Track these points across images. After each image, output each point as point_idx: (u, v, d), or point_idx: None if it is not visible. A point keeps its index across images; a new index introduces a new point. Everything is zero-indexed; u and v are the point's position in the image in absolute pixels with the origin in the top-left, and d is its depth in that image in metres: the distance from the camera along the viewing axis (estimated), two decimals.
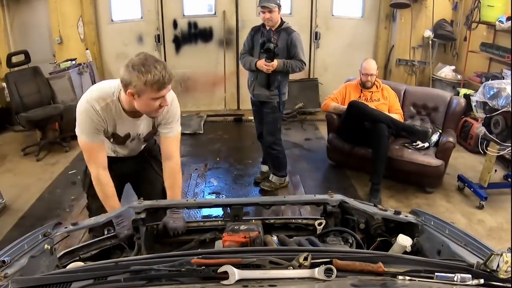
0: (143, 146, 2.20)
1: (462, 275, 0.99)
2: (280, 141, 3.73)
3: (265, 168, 4.04)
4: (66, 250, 1.52)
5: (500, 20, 4.59)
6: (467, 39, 5.24)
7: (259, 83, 3.51)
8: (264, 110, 3.60)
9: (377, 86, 4.06)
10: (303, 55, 3.45)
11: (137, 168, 2.25)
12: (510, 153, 3.52)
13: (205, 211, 3.35)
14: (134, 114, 1.85)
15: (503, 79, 4.19)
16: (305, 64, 3.46)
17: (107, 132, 1.89)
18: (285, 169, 3.87)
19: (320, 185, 4.08)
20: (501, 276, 1.00)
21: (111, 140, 1.98)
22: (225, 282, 0.95)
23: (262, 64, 3.36)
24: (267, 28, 3.43)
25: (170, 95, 1.80)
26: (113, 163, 2.00)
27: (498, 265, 1.01)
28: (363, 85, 4.04)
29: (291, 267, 1.01)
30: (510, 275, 1.00)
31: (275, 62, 3.33)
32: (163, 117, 1.91)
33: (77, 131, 1.83)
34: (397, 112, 4.00)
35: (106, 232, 1.66)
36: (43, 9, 5.56)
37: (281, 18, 3.41)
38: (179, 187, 2.02)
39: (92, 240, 1.61)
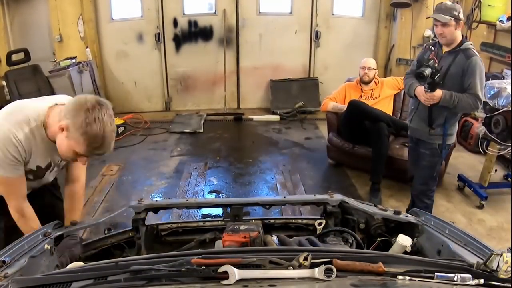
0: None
1: (462, 275, 0.99)
2: (432, 192, 2.98)
3: None
4: None
5: (500, 20, 4.59)
6: (468, 39, 5.22)
7: (419, 115, 2.83)
8: (421, 150, 2.90)
9: (376, 83, 4.08)
10: (481, 89, 2.61)
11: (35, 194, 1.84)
12: (510, 153, 3.52)
13: (205, 211, 3.35)
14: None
15: (504, 78, 4.19)
16: (480, 102, 2.63)
17: (28, 165, 1.60)
18: None
19: (320, 185, 4.07)
20: (501, 276, 1.00)
21: (30, 177, 1.67)
22: (225, 282, 0.95)
23: (420, 92, 2.68)
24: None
25: None
26: None
27: (498, 265, 1.01)
28: (361, 80, 4.06)
29: (291, 267, 1.01)
30: (510, 275, 1.00)
31: (438, 93, 2.59)
32: None
33: None
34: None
35: (106, 232, 1.65)
36: (43, 7, 5.55)
37: (463, 36, 2.71)
38: (79, 211, 1.85)
39: (92, 240, 1.61)
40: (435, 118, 2.75)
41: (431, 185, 2.95)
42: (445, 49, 2.70)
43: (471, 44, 2.69)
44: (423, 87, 2.65)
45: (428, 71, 2.52)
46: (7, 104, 1.63)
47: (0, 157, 1.49)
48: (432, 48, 2.75)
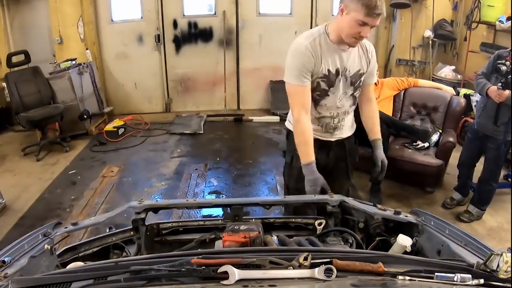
0: (350, 110, 2.14)
1: (462, 275, 0.99)
2: (498, 176, 3.35)
3: (457, 195, 3.63)
4: (67, 247, 1.52)
5: (500, 20, 4.59)
6: (467, 39, 5.23)
7: (487, 113, 3.08)
8: (488, 144, 3.18)
9: (376, 84, 4.08)
10: None
11: (336, 164, 2.27)
12: (510, 153, 3.52)
13: (205, 211, 3.35)
14: (340, 42, 1.93)
15: None
16: None
17: (319, 73, 1.93)
18: (488, 204, 3.43)
19: None
20: (501, 276, 1.00)
21: (324, 87, 1.98)
22: (225, 282, 0.95)
23: (492, 90, 2.91)
24: None
25: (370, 44, 2.07)
26: (320, 151, 2.08)
27: (498, 265, 1.00)
28: None
29: (291, 267, 1.01)
30: (510, 275, 1.00)
31: (507, 92, 2.83)
32: (371, 67, 2.10)
33: (285, 76, 1.95)
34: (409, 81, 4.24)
35: (108, 230, 1.65)
36: (43, 9, 5.56)
37: None
38: (378, 127, 2.22)
39: (93, 238, 1.61)
40: (500, 116, 3.00)
41: (498, 172, 3.30)
42: None
43: None
44: (495, 86, 2.89)
45: (503, 68, 2.85)
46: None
47: (291, 65, 1.91)
48: (507, 53, 2.98)
